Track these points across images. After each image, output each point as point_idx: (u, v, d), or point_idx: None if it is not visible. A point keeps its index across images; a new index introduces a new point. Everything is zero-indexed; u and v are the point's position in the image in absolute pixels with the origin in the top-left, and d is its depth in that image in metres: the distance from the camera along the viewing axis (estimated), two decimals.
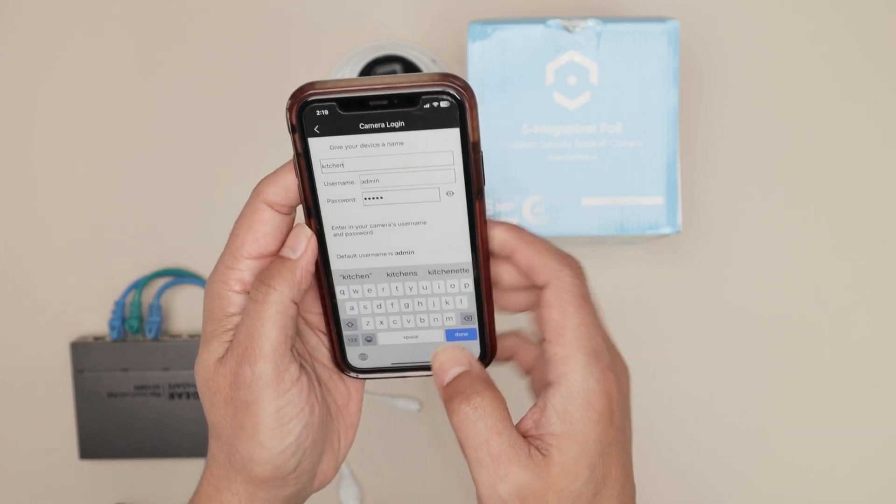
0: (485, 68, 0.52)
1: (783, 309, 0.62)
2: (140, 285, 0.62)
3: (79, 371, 0.61)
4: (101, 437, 0.62)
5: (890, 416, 0.63)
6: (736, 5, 0.62)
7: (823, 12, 0.61)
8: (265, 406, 0.34)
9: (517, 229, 0.36)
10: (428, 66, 0.59)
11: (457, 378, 0.35)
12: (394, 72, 0.59)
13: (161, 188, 0.63)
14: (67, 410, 0.63)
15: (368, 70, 0.59)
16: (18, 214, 0.63)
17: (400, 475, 0.64)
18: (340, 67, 0.60)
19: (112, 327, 0.61)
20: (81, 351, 0.61)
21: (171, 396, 0.62)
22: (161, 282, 0.63)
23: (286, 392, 0.34)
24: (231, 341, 0.35)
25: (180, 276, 0.62)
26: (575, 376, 0.34)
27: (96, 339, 0.62)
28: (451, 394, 0.35)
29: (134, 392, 0.62)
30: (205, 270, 0.63)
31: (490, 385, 0.35)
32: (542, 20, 0.52)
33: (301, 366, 0.36)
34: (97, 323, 0.63)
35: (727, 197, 0.62)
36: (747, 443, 0.63)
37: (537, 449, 0.34)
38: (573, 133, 0.52)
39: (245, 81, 0.62)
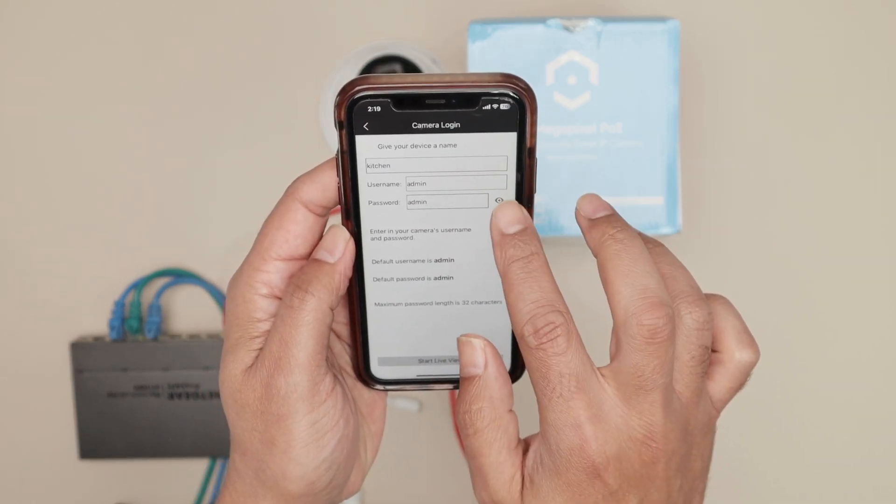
0: (485, 68, 0.52)
1: (783, 309, 0.62)
2: (140, 285, 0.62)
3: (79, 371, 0.61)
4: (100, 437, 0.62)
5: (891, 416, 0.63)
6: (736, 5, 0.62)
7: (824, 12, 0.61)
8: (299, 420, 0.32)
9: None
10: (428, 66, 0.59)
11: (467, 380, 0.33)
12: (393, 71, 0.59)
13: (161, 188, 0.63)
14: (67, 410, 0.63)
15: (368, 70, 0.59)
16: (18, 215, 0.63)
17: (400, 475, 0.64)
18: (340, 68, 0.60)
19: (112, 327, 0.61)
20: (81, 351, 0.61)
21: (171, 396, 0.61)
22: (161, 282, 0.63)
23: (321, 404, 0.33)
24: (259, 350, 0.33)
25: (180, 276, 0.62)
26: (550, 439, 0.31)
27: (96, 339, 0.62)
28: (459, 395, 0.33)
29: (134, 392, 0.62)
30: (205, 270, 0.63)
31: (491, 402, 0.32)
32: (542, 20, 0.52)
33: (334, 376, 0.34)
34: (97, 323, 0.63)
35: (727, 197, 0.62)
36: (746, 443, 0.63)
37: (521, 478, 0.32)
38: (573, 133, 0.52)
39: (245, 81, 0.62)
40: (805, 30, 0.62)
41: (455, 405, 0.33)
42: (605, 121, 0.52)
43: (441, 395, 0.62)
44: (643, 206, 0.52)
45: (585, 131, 0.52)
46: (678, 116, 0.52)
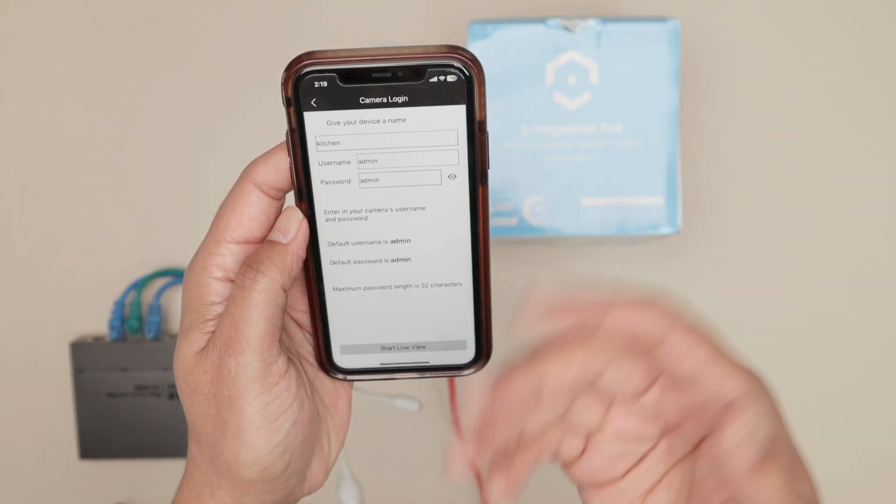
0: (485, 68, 0.52)
1: (783, 309, 0.62)
2: (140, 285, 0.62)
3: (79, 371, 0.61)
4: (100, 437, 0.62)
5: (890, 418, 0.63)
6: (736, 5, 0.62)
7: (824, 12, 0.61)
8: (251, 401, 0.32)
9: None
10: None
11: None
12: None
13: (160, 188, 0.63)
14: (67, 410, 0.63)
15: None
16: (17, 215, 0.63)
17: (400, 475, 0.64)
18: None
19: (112, 327, 0.61)
20: (81, 351, 0.61)
21: (171, 396, 0.61)
22: (160, 282, 0.63)
23: (274, 386, 0.32)
24: (212, 332, 0.33)
25: (180, 276, 0.62)
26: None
27: (96, 339, 0.62)
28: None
29: (134, 392, 0.62)
30: None
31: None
32: (542, 20, 0.52)
33: (289, 359, 0.34)
34: (97, 323, 0.63)
35: (727, 197, 0.62)
36: None
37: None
38: (573, 133, 0.52)
39: (244, 81, 0.62)
40: (805, 29, 0.62)
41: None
42: (605, 121, 0.52)
43: (440, 394, 0.62)
44: (643, 206, 0.52)
45: (585, 131, 0.52)
46: (678, 116, 0.52)
